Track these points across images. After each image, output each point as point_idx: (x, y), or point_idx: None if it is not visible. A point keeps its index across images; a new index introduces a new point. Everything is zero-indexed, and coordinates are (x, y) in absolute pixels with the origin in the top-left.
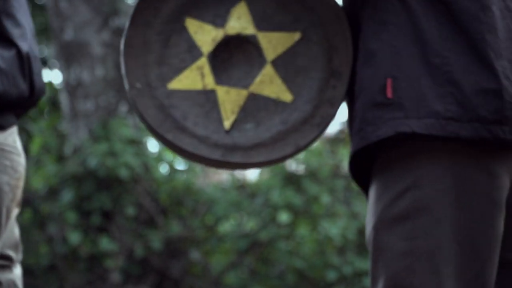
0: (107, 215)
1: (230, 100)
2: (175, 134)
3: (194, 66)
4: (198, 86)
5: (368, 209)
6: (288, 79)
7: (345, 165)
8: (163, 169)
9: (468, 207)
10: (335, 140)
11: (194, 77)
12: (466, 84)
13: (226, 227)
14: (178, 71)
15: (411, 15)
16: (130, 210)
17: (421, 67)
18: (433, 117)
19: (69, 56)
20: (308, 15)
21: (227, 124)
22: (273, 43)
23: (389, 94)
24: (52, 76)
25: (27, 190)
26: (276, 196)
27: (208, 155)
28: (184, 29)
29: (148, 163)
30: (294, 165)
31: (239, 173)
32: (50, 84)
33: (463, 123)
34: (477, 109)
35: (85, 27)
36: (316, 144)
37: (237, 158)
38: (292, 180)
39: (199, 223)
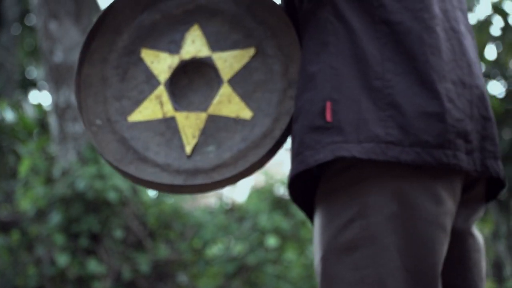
0: (95, 238)
1: (190, 125)
2: (137, 165)
3: (152, 96)
4: (158, 115)
5: (314, 238)
6: (246, 96)
7: None
8: (151, 192)
9: (414, 233)
10: None
11: (153, 107)
12: (408, 107)
13: (213, 250)
14: (137, 103)
15: (352, 35)
16: (118, 233)
17: (361, 90)
18: (373, 141)
19: (58, 78)
20: (260, 29)
21: (188, 149)
22: (229, 62)
23: (329, 117)
24: (41, 98)
25: (15, 211)
26: (264, 220)
27: (170, 182)
28: (140, 60)
29: (136, 186)
30: (282, 190)
31: (227, 197)
32: (39, 106)
33: (404, 148)
34: (419, 133)
35: (75, 49)
36: None
37: (199, 180)
38: (280, 204)
39: (186, 246)
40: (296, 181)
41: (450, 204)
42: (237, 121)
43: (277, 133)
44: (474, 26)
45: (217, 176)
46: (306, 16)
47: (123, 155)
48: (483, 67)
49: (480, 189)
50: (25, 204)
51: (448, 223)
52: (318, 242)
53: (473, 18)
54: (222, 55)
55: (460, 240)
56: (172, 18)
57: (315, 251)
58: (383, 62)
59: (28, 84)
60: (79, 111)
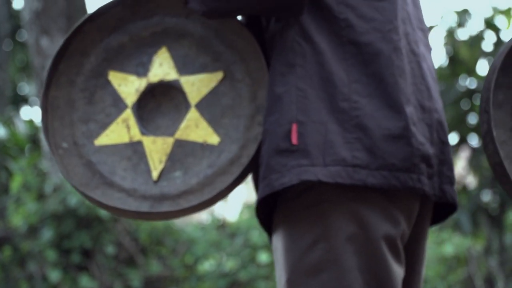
0: (87, 254)
1: (157, 150)
2: (104, 190)
3: (119, 119)
4: (125, 139)
5: (276, 261)
6: (214, 121)
7: None
8: None
9: (373, 254)
10: None
11: (120, 131)
12: (375, 130)
13: (205, 266)
14: (104, 126)
15: (319, 57)
16: (110, 249)
17: (328, 112)
18: (339, 165)
19: None
20: (228, 53)
21: (155, 174)
22: (197, 86)
23: (294, 140)
24: (33, 114)
25: (7, 227)
26: (255, 236)
27: (136, 209)
28: (108, 83)
29: None
30: None
31: (219, 213)
32: (31, 122)
33: (371, 171)
34: (386, 156)
35: None
36: None
37: (165, 207)
38: None
39: (178, 262)
40: (263, 205)
41: (404, 226)
42: (204, 147)
43: (245, 160)
44: (466, 41)
45: (184, 203)
46: (273, 36)
47: (89, 180)
48: (475, 82)
49: (430, 212)
50: (17, 220)
51: (401, 245)
52: (282, 265)
53: (465, 33)
54: (190, 78)
55: (409, 274)
56: (140, 40)
57: (279, 274)
58: (350, 84)
59: (20, 100)
60: (45, 134)
